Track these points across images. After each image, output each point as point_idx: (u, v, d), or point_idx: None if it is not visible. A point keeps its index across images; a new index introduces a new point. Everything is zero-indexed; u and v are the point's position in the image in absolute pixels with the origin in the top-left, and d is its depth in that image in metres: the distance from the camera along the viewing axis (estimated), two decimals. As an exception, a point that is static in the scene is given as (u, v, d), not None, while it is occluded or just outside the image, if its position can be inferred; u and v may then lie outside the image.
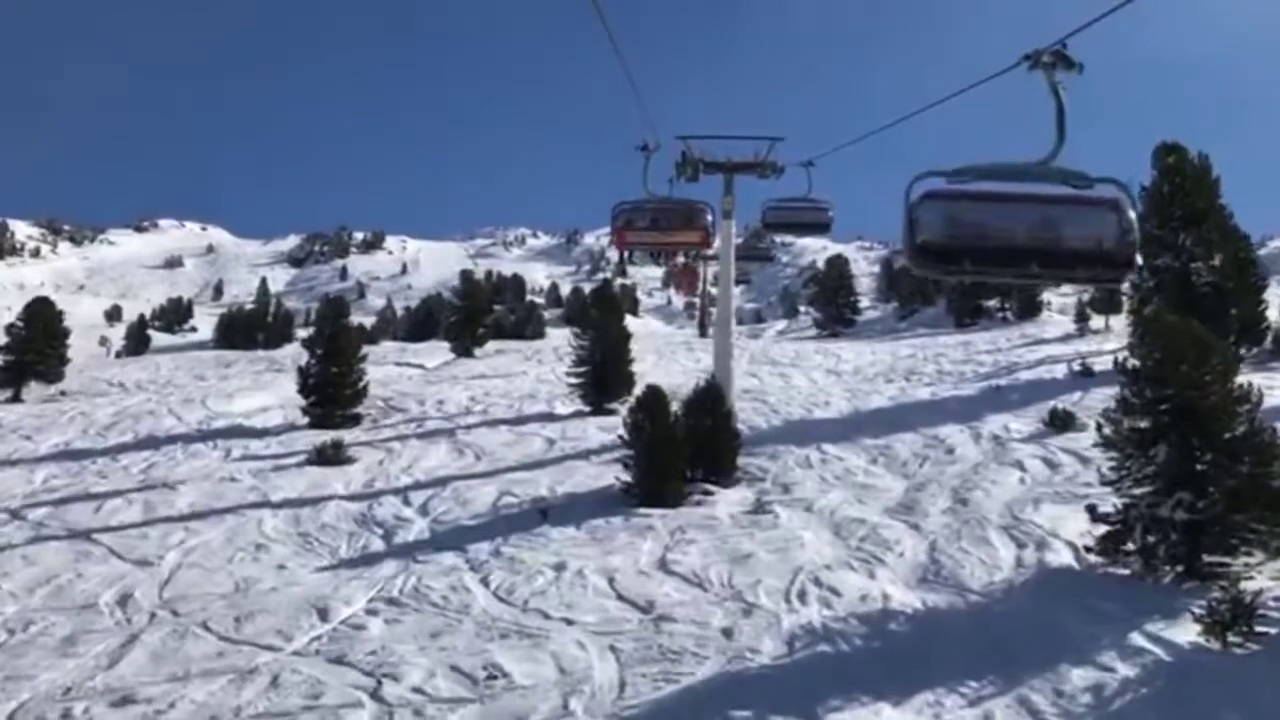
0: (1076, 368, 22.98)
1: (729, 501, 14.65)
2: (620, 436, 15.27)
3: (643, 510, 14.10)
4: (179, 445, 20.24)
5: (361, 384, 22.64)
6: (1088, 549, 11.49)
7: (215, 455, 19.09)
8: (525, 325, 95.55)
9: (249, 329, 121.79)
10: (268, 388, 27.04)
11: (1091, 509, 11.68)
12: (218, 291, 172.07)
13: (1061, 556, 11.79)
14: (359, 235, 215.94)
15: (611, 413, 21.46)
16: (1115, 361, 13.00)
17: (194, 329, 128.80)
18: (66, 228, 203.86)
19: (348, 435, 20.46)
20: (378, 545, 13.60)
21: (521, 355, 35.98)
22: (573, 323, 23.26)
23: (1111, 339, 31.83)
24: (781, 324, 65.95)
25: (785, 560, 11.99)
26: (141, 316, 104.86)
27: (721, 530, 13.26)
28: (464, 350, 36.14)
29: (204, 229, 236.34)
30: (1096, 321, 34.44)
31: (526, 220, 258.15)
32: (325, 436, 20.28)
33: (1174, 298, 22.46)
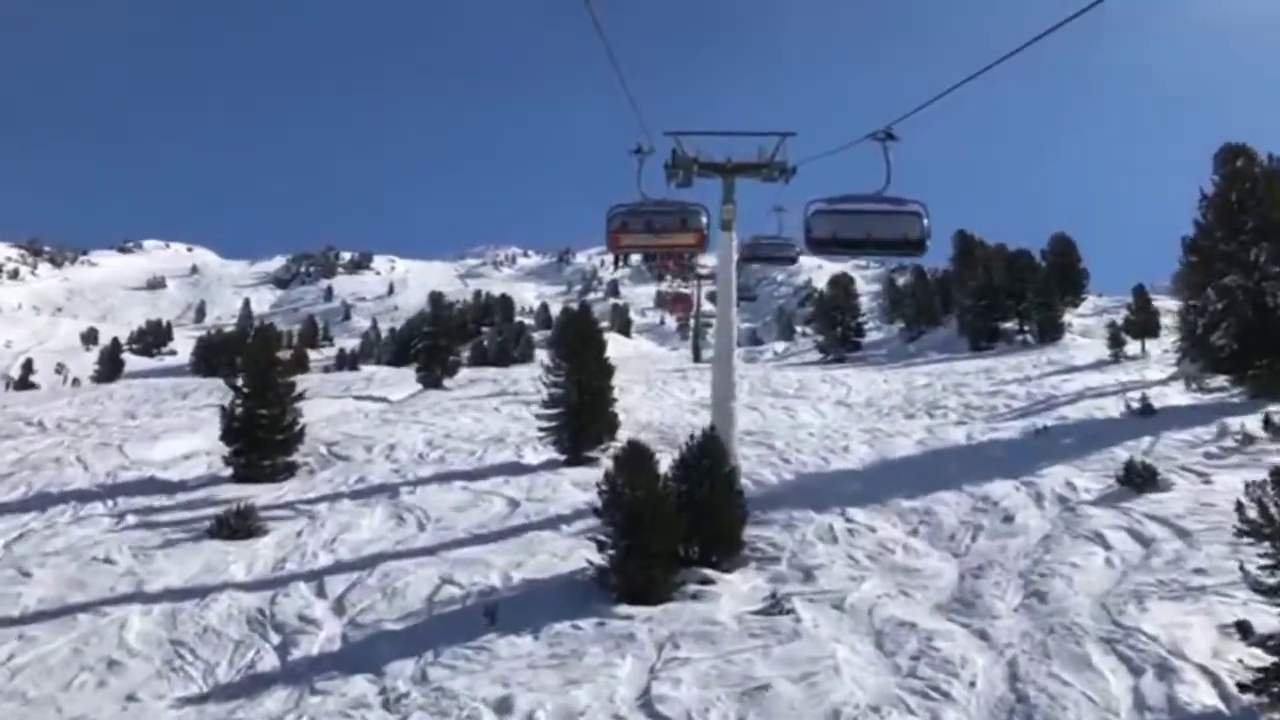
0: (1134, 405, 19.70)
1: (735, 594, 11.33)
2: (594, 509, 11.96)
3: (622, 609, 10.77)
4: (71, 505, 16.83)
5: (297, 428, 19.29)
6: (1242, 687, 8.19)
7: (107, 521, 15.69)
8: (513, 347, 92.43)
9: (228, 353, 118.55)
10: (200, 429, 23.67)
11: (1244, 629, 8.37)
12: (200, 313, 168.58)
13: (1198, 692, 8.46)
14: (346, 255, 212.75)
15: (591, 462, 18.15)
16: (1266, 421, 9.71)
17: (173, 352, 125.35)
18: (47, 249, 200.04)
19: (273, 493, 17.11)
20: (269, 662, 10.24)
21: (496, 386, 32.64)
22: (554, 347, 19.84)
23: (1151, 366, 28.65)
24: (780, 346, 62.74)
25: (814, 695, 8.68)
26: (115, 340, 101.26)
27: (726, 641, 9.93)
28: (433, 381, 32.79)
29: (190, 250, 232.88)
30: (1131, 346, 31.22)
31: (518, 239, 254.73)
32: (247, 492, 16.98)
33: (1245, 322, 19.31)
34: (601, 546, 11.47)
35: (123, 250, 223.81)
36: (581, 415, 18.18)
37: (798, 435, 20.38)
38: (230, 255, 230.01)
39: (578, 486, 16.12)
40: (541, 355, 57.66)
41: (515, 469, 17.88)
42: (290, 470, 19.06)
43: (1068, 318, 40.33)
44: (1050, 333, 38.70)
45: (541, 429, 18.59)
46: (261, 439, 18.82)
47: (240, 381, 19.09)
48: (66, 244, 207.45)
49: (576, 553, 12.53)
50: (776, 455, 18.24)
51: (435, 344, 33.41)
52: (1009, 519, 13.42)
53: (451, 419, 24.81)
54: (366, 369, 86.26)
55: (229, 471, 18.72)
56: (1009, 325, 40.75)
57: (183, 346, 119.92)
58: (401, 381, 35.05)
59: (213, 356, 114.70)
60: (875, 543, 12.86)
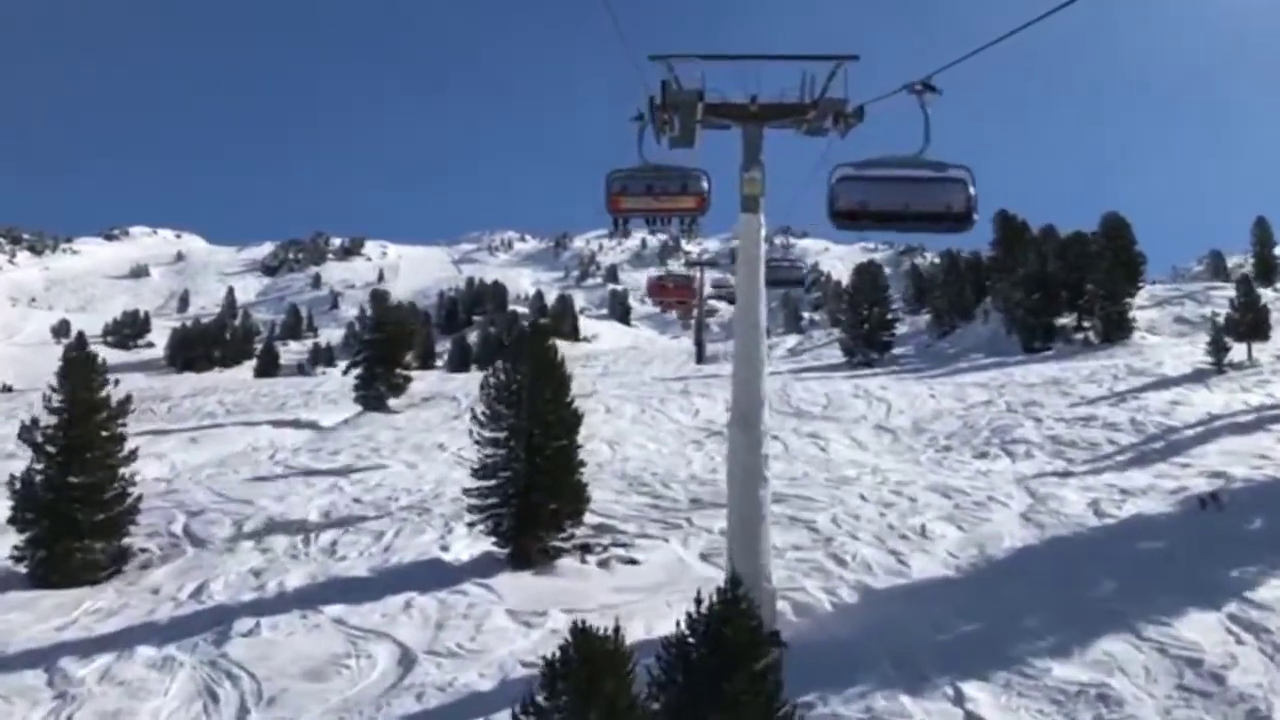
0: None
1: None
2: (537, 697, 6.13)
3: None
4: None
5: (129, 499, 13.48)
6: None
7: None
8: (505, 339, 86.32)
9: (206, 345, 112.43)
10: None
11: None
12: (183, 303, 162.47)
13: None
14: (336, 241, 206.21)
15: (544, 560, 12.28)
16: None
17: (150, 344, 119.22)
18: (26, 236, 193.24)
19: (63, 614, 11.32)
20: None
21: (454, 407, 26.66)
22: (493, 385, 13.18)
23: (1272, 379, 22.80)
24: (791, 340, 56.32)
25: None
26: (81, 334, 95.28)
27: None
28: (374, 401, 26.77)
29: (178, 236, 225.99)
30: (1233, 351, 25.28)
31: (514, 223, 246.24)
32: (24, 618, 11.25)
33: None
34: None
35: (108, 237, 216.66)
36: (531, 491, 12.22)
37: (846, 501, 14.47)
38: (219, 241, 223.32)
39: (515, 618, 10.24)
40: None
41: (430, 574, 11.86)
42: (121, 561, 13.33)
43: (1133, 313, 34.38)
44: (1115, 330, 32.80)
45: (473, 508, 12.61)
46: (76, 520, 13.01)
47: (41, 437, 13.22)
48: (48, 231, 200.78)
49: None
50: (822, 548, 12.30)
51: (379, 355, 27.33)
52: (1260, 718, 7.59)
53: (378, 467, 18.98)
54: (341, 365, 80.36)
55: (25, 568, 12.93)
56: (1064, 321, 34.85)
57: (161, 338, 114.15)
58: (346, 396, 29.17)
59: (188, 350, 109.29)
60: (1034, 783, 7.02)
